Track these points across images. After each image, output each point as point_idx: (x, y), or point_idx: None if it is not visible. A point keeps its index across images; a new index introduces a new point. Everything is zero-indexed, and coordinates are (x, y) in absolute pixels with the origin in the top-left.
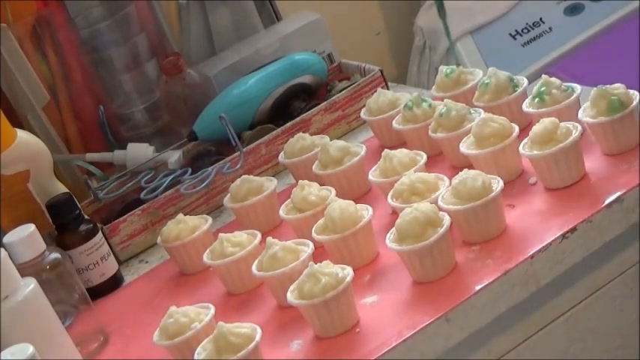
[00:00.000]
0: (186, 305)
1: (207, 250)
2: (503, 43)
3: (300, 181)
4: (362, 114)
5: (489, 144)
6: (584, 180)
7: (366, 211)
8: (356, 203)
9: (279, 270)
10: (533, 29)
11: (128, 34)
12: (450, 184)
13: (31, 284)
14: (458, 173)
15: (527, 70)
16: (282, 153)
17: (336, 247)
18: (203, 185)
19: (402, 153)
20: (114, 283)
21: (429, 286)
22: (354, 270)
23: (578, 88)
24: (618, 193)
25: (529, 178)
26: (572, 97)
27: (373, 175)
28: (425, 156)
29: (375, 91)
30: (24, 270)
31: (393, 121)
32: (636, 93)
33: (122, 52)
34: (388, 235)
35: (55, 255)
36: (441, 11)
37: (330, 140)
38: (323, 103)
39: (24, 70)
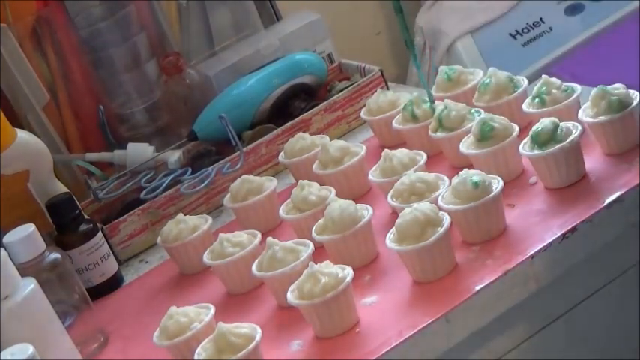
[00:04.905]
0: (186, 305)
1: (207, 250)
2: (503, 43)
3: (300, 181)
4: (362, 114)
5: (489, 144)
6: (584, 180)
7: (366, 211)
8: (356, 203)
9: (279, 270)
10: (533, 29)
11: (128, 34)
12: (450, 184)
13: (31, 284)
14: (458, 173)
15: (527, 70)
16: (282, 153)
17: (336, 247)
18: (203, 185)
19: (402, 153)
20: (114, 283)
21: (429, 286)
22: (354, 270)
23: (578, 88)
24: (618, 193)
25: (529, 178)
26: (572, 97)
27: (373, 175)
28: (425, 156)
29: (375, 91)
30: (24, 270)
31: (393, 121)
32: (636, 93)
33: (122, 52)
34: (388, 235)
35: (55, 255)
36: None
37: (330, 140)
38: (323, 103)
39: (24, 70)
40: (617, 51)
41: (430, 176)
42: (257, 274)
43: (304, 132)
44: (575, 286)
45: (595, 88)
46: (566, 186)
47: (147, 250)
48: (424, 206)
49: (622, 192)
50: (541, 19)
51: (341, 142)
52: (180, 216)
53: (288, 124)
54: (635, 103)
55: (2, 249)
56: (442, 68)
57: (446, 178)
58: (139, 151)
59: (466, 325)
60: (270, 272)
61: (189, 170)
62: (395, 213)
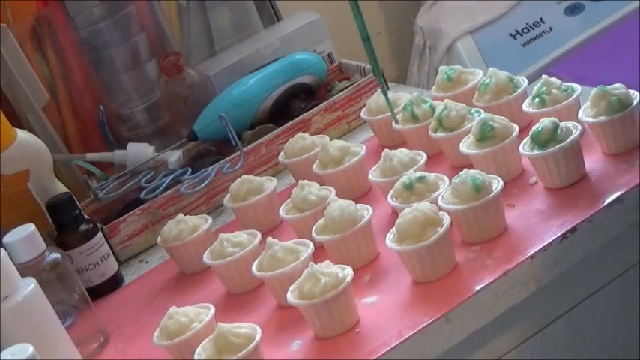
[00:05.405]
0: (186, 305)
1: (207, 250)
2: (503, 43)
3: (300, 181)
4: (362, 114)
5: (489, 144)
6: (584, 180)
7: (366, 211)
8: (356, 203)
9: (279, 270)
10: (533, 29)
11: (128, 34)
12: (450, 184)
13: (31, 284)
14: (458, 173)
15: (527, 70)
16: (282, 153)
17: (336, 247)
18: (203, 185)
19: (402, 153)
20: (114, 283)
21: (429, 286)
22: (354, 270)
23: (578, 88)
24: (618, 193)
25: (529, 178)
26: (572, 97)
27: (373, 175)
28: (425, 156)
29: (375, 91)
30: (24, 270)
31: (393, 121)
32: (636, 93)
33: (122, 52)
34: (388, 235)
35: (55, 255)
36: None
37: (330, 140)
38: (323, 103)
39: (24, 70)
40: (617, 51)
41: (430, 176)
42: (257, 274)
43: (304, 132)
44: (575, 286)
45: (595, 88)
46: (566, 186)
47: (147, 250)
48: (424, 206)
49: (622, 192)
50: (541, 19)
51: (341, 142)
52: (180, 216)
53: (288, 124)
54: (635, 103)
55: (2, 249)
56: (442, 68)
57: (446, 178)
58: (139, 151)
59: (466, 325)
60: (270, 272)
61: (189, 170)
62: (395, 213)
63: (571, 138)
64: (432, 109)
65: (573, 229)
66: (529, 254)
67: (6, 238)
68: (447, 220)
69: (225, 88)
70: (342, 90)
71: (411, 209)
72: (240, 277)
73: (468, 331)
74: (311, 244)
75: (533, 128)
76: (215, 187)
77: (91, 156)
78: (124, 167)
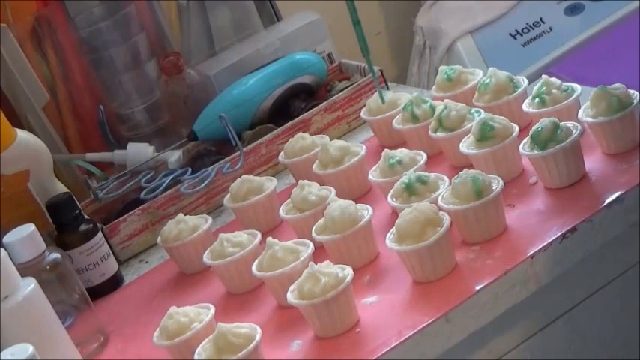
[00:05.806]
0: (186, 305)
1: (207, 250)
2: (503, 43)
3: (300, 181)
4: (362, 114)
5: (489, 144)
6: (584, 180)
7: (366, 211)
8: (356, 203)
9: (279, 270)
10: (533, 29)
11: (128, 34)
12: (450, 184)
13: (31, 284)
14: (458, 173)
15: (527, 70)
16: (282, 153)
17: (336, 247)
18: (203, 185)
19: (402, 153)
20: (114, 283)
21: (429, 286)
22: (354, 270)
23: (578, 88)
24: (618, 193)
25: (529, 178)
26: (572, 97)
27: (373, 175)
28: (425, 156)
29: (375, 91)
30: (24, 270)
31: (393, 121)
32: (636, 93)
33: (122, 52)
34: (388, 235)
35: (55, 255)
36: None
37: (330, 140)
38: (323, 103)
39: (24, 70)
40: (617, 51)
41: (430, 176)
42: (257, 274)
43: (304, 132)
44: (575, 286)
45: (595, 88)
46: (566, 186)
47: (147, 250)
48: (424, 206)
49: (622, 192)
50: (541, 19)
51: (341, 142)
52: (180, 216)
53: (288, 124)
54: (635, 103)
55: (2, 249)
56: (442, 68)
57: (446, 178)
58: (139, 151)
59: (466, 325)
60: (270, 272)
61: (189, 170)
62: (395, 213)
63: (571, 138)
64: (432, 109)
65: (573, 229)
66: (529, 254)
67: (6, 238)
68: (447, 220)
69: (225, 88)
70: (342, 90)
71: (411, 209)
72: (240, 277)
73: (468, 331)
74: (311, 244)
75: (533, 128)
76: (215, 187)
77: (91, 156)
78: (124, 167)
